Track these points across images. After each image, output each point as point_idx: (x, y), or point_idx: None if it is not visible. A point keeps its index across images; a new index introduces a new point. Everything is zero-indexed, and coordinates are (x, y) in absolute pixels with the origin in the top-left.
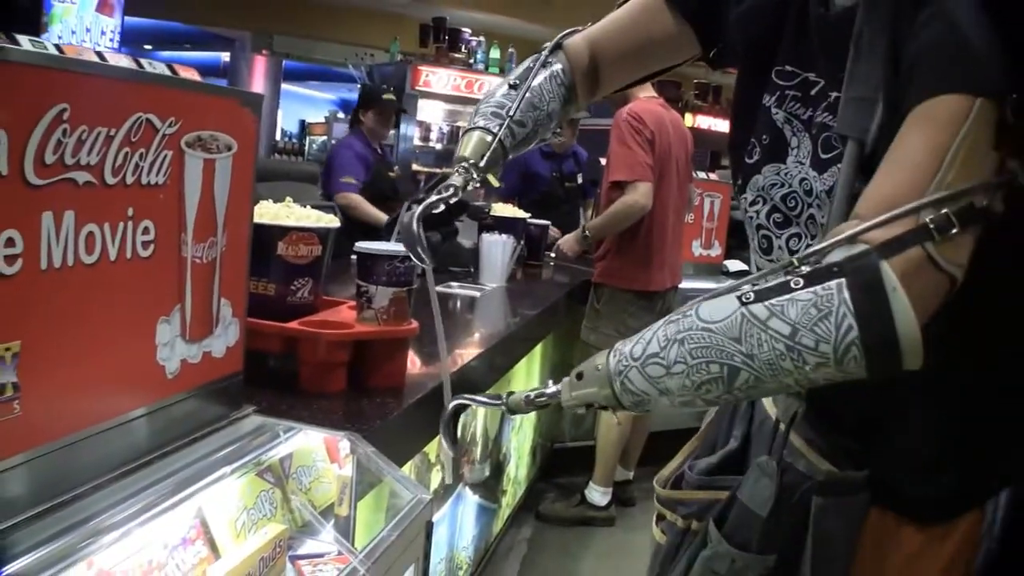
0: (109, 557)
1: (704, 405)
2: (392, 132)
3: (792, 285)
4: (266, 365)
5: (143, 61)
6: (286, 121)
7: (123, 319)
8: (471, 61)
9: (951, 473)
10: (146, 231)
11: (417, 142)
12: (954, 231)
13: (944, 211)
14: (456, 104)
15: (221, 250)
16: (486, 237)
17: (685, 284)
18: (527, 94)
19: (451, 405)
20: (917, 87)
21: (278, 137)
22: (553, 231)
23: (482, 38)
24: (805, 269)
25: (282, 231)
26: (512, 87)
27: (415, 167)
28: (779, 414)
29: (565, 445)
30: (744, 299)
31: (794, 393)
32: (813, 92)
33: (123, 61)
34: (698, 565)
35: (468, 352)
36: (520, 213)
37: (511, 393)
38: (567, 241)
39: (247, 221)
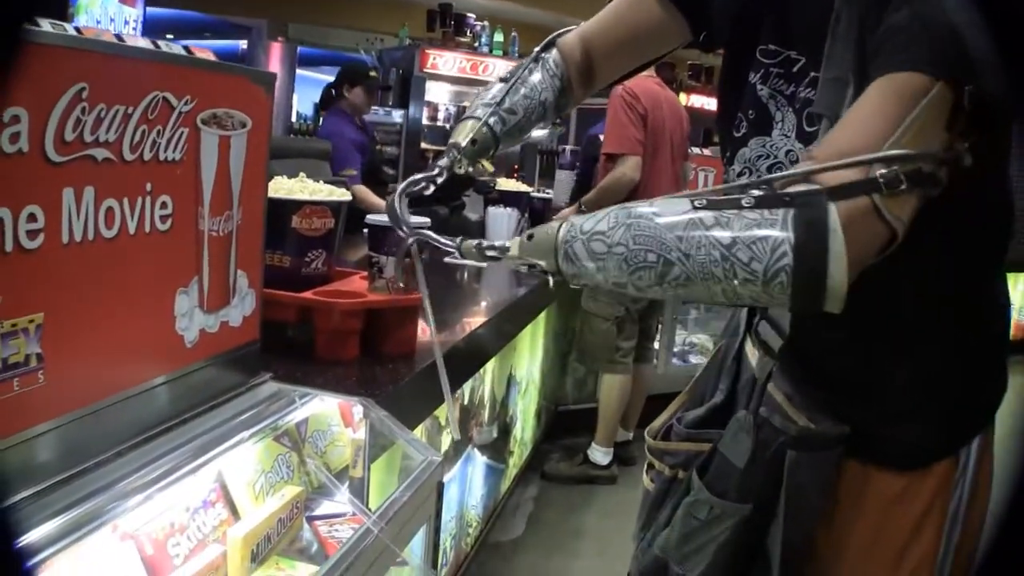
0: (133, 520)
1: (635, 292)
2: (401, 112)
3: (743, 203)
4: (282, 334)
5: (159, 42)
6: (301, 104)
7: (142, 291)
8: (476, 44)
9: (929, 421)
10: (164, 205)
11: (425, 122)
12: (902, 187)
13: (895, 168)
14: (462, 86)
15: (237, 223)
16: (492, 210)
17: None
18: (519, 85)
19: (408, 241)
20: (884, 58)
21: (293, 119)
22: None
23: (486, 23)
24: (757, 193)
25: (296, 205)
26: (504, 80)
27: (423, 145)
28: (756, 372)
29: (568, 407)
30: (696, 204)
31: (769, 352)
32: (795, 69)
33: (140, 42)
34: (680, 511)
35: (476, 320)
36: (524, 187)
37: (463, 239)
38: (563, 216)
39: (262, 196)
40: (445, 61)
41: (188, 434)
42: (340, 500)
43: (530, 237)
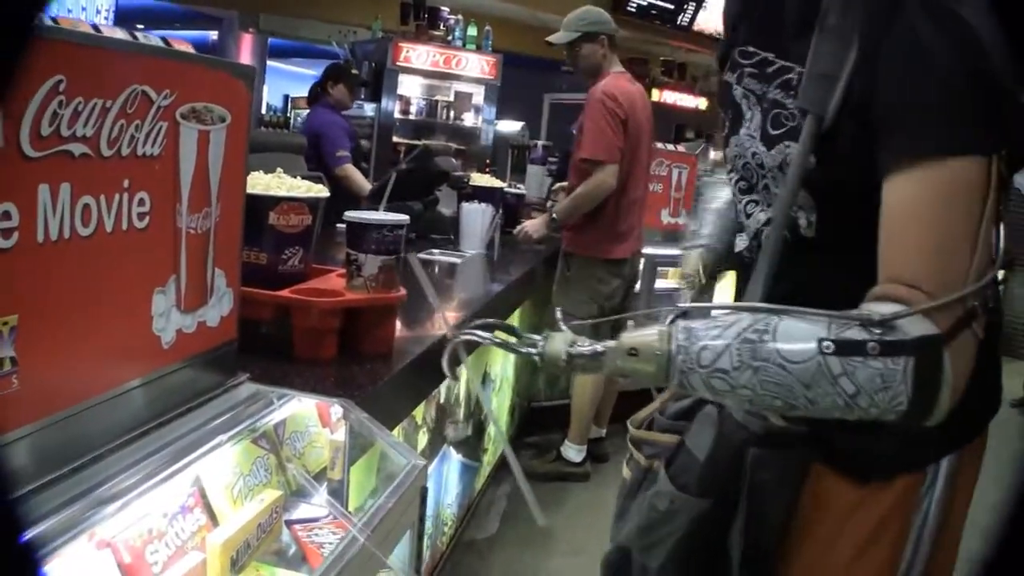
0: (110, 527)
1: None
2: (373, 105)
3: (869, 350)
4: (259, 333)
5: (139, 34)
6: (271, 96)
7: (119, 290)
8: (450, 38)
9: (889, 434)
10: (141, 202)
11: (397, 115)
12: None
13: (982, 294)
14: (434, 79)
15: (215, 220)
16: (466, 206)
17: (654, 250)
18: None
19: (458, 339)
20: (939, 135)
21: (264, 111)
22: None
23: (460, 16)
24: (878, 332)
25: (274, 201)
26: None
27: (395, 139)
28: None
29: (541, 404)
30: (824, 349)
31: None
32: (769, 70)
33: (118, 33)
34: (644, 501)
35: (450, 317)
36: (498, 182)
37: (545, 338)
38: (533, 224)
39: (240, 192)
40: (418, 55)
41: (165, 438)
42: (318, 503)
43: (633, 352)
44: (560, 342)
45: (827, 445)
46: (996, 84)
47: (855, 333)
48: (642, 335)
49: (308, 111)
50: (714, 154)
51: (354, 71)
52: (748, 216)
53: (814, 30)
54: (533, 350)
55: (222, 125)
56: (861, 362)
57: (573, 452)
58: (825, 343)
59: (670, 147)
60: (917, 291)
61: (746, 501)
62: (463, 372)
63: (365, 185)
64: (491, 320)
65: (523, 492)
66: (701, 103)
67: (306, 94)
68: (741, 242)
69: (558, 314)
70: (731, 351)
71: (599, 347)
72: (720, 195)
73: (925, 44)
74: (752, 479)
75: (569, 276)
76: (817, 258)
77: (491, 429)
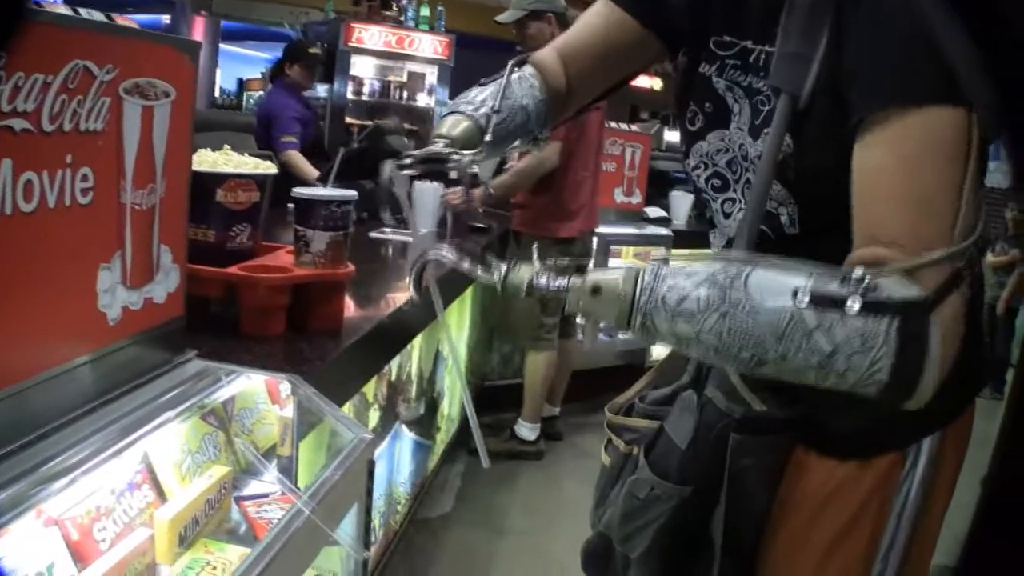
0: (57, 505)
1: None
2: (326, 86)
3: (847, 307)
4: (207, 310)
5: (81, 10)
6: (225, 79)
7: (63, 267)
8: (402, 19)
9: (871, 412)
10: (85, 178)
11: (350, 96)
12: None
13: (966, 255)
14: (387, 60)
15: (160, 197)
16: (418, 184)
17: (608, 230)
18: (497, 89)
19: (426, 258)
20: (902, 86)
21: (217, 94)
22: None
23: None
24: (860, 288)
25: (221, 178)
26: (480, 85)
27: (348, 120)
28: None
29: (494, 383)
30: (799, 298)
31: None
32: (751, 59)
33: (60, 8)
34: (624, 488)
35: (402, 295)
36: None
37: (509, 268)
38: (455, 192)
39: (186, 168)
40: (371, 35)
41: (112, 415)
42: (268, 479)
43: (596, 290)
44: (525, 272)
45: (809, 428)
46: (963, 44)
47: (835, 288)
48: (607, 274)
49: (266, 90)
50: (668, 134)
51: (312, 50)
52: (726, 216)
53: (783, 9)
54: (495, 276)
55: (166, 100)
56: (839, 318)
57: (527, 431)
58: (800, 293)
59: (624, 127)
60: (897, 249)
61: (728, 487)
62: (435, 299)
63: (311, 172)
64: (461, 241)
65: (473, 432)
66: (656, 83)
67: (259, 76)
68: (716, 241)
69: (534, 248)
70: (699, 293)
71: (563, 282)
72: (514, 83)
73: (890, 7)
74: (733, 465)
75: (519, 255)
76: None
77: (443, 407)
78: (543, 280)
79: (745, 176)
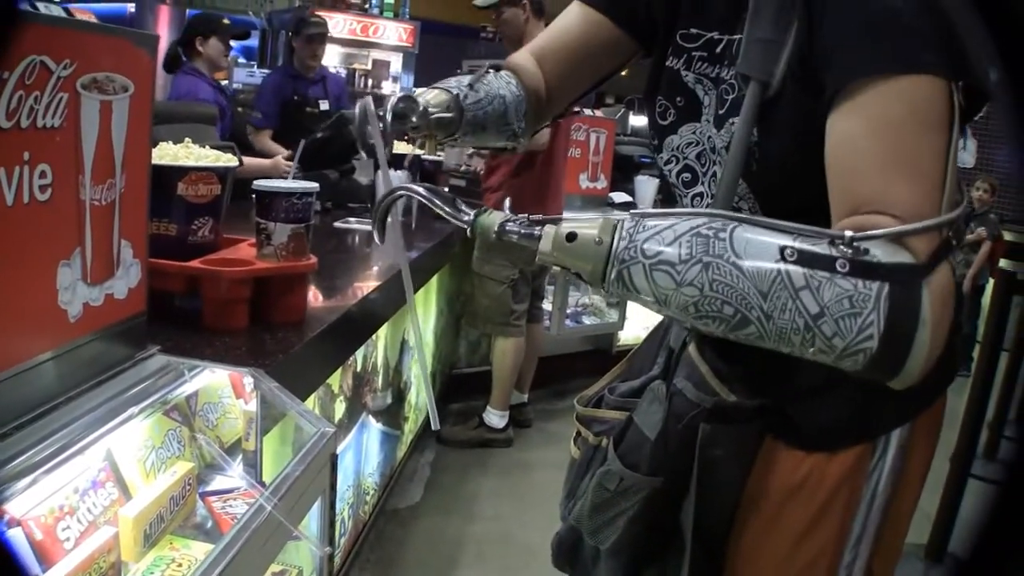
0: (20, 505)
1: (690, 327)
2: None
3: (837, 267)
4: (169, 305)
5: (39, 4)
6: None
7: (23, 264)
8: (367, 7)
9: (840, 402)
10: (43, 175)
11: None
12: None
13: (955, 225)
14: (352, 48)
15: (120, 192)
16: (381, 173)
17: (574, 215)
18: (471, 78)
19: (395, 194)
20: (881, 54)
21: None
22: None
23: None
24: (850, 252)
25: (182, 171)
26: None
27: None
28: (671, 341)
29: (462, 371)
30: (787, 256)
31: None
32: (718, 50)
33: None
34: (593, 480)
35: (368, 284)
36: (415, 150)
37: (481, 211)
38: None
39: (146, 162)
40: (335, 23)
41: (74, 412)
42: (233, 475)
43: (571, 237)
44: (497, 216)
45: (778, 417)
46: (946, 15)
47: (823, 248)
48: (583, 222)
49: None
50: (634, 119)
51: (225, 21)
52: None
53: None
54: (466, 218)
55: (125, 95)
56: (828, 278)
57: (495, 418)
58: (788, 249)
59: (588, 112)
60: (887, 217)
61: (698, 478)
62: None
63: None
64: (430, 185)
65: (426, 398)
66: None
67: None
68: None
69: (506, 204)
70: (680, 243)
71: (536, 229)
72: (491, 78)
73: None
74: (703, 456)
75: (478, 238)
76: None
77: (411, 396)
78: (514, 224)
79: (713, 169)
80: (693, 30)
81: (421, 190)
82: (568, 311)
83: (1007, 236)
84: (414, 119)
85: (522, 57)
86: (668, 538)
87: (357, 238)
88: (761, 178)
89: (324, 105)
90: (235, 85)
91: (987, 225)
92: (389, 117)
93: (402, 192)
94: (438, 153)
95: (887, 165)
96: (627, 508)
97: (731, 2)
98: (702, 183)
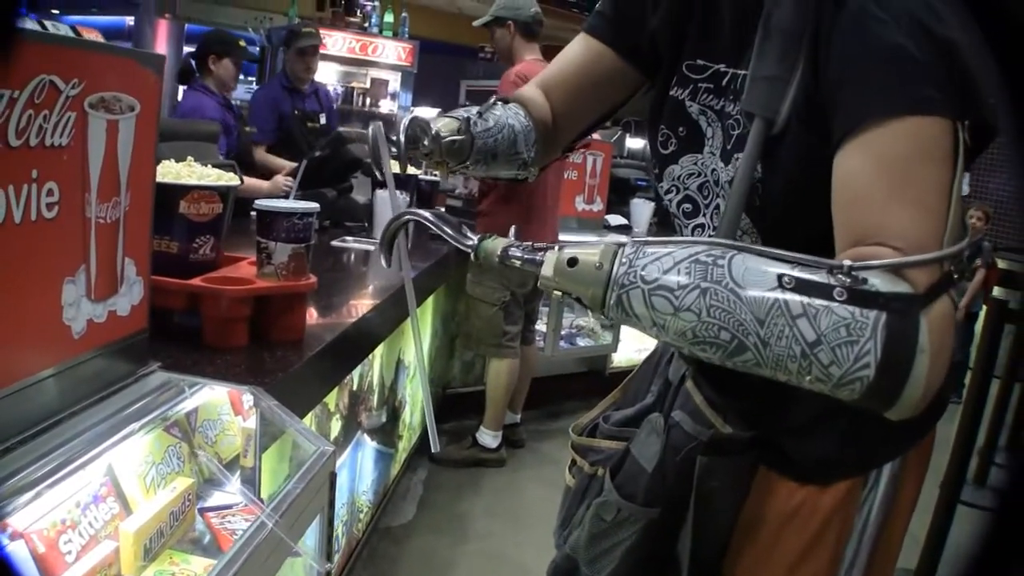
0: (23, 518)
1: (687, 354)
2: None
3: (835, 295)
4: (170, 322)
5: (47, 23)
6: None
7: (28, 281)
8: (366, 25)
9: (834, 437)
10: (50, 192)
11: None
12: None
13: (957, 259)
14: (351, 66)
15: (125, 210)
16: (380, 193)
17: (569, 237)
18: (482, 108)
19: (401, 219)
20: (888, 97)
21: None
22: None
23: (377, 3)
24: (848, 281)
25: (184, 190)
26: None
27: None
28: (671, 374)
29: (456, 390)
30: (785, 283)
31: (684, 356)
32: (724, 83)
33: (27, 23)
34: (590, 511)
35: (363, 304)
36: (412, 170)
37: (485, 236)
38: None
39: (150, 181)
40: (334, 41)
41: (77, 427)
42: (231, 490)
43: (572, 262)
44: (501, 241)
45: (773, 449)
46: (953, 54)
47: (822, 277)
48: (585, 247)
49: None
50: (630, 141)
51: (242, 43)
52: None
53: (757, 32)
54: (470, 242)
55: (131, 114)
56: (825, 306)
57: (489, 438)
58: (786, 277)
59: None
60: (887, 247)
61: (695, 509)
62: (403, 262)
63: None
64: (437, 210)
65: (427, 420)
66: None
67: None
68: None
69: (512, 231)
70: (679, 269)
71: (538, 255)
72: (517, 114)
73: (878, 16)
74: (701, 488)
75: (481, 263)
76: None
77: (405, 415)
78: (517, 250)
79: (716, 202)
80: (699, 61)
81: (428, 215)
82: (562, 332)
83: (1000, 264)
84: (426, 142)
85: (529, 90)
86: (664, 567)
87: (354, 256)
88: (764, 213)
89: (323, 119)
90: (235, 102)
91: (981, 253)
92: (403, 139)
93: (409, 217)
94: (432, 173)
95: (891, 198)
96: (624, 539)
97: (736, 36)
98: (704, 215)
